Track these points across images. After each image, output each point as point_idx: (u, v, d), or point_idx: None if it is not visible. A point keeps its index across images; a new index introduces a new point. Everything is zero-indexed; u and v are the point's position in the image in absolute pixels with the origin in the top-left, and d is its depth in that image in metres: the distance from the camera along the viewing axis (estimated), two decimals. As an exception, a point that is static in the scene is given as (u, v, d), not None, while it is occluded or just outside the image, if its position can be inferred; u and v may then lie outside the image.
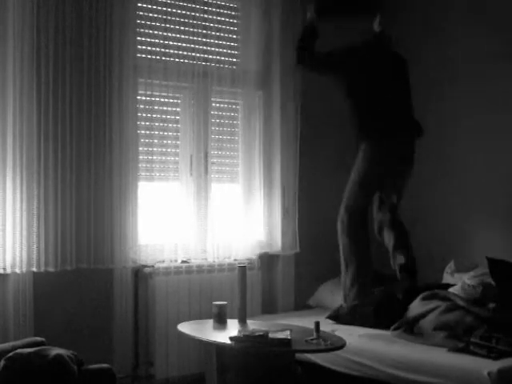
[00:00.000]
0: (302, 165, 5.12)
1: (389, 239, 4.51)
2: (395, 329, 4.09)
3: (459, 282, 4.35)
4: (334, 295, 4.79)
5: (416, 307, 4.14)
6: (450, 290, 4.27)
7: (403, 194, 4.57)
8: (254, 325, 3.87)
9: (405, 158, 4.50)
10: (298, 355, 3.84)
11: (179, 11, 4.63)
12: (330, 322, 4.38)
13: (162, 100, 4.56)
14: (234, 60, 4.91)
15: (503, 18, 4.82)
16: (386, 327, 4.14)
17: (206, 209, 4.67)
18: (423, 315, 4.03)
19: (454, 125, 5.04)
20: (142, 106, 4.44)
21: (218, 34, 4.80)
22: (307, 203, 5.15)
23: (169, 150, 4.59)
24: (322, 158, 5.26)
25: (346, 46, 4.51)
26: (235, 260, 4.72)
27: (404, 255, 4.41)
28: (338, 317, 4.42)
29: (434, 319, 3.95)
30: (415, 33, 5.22)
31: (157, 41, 4.53)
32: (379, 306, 4.33)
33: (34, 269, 3.98)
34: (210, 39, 4.75)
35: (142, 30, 4.46)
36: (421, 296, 4.23)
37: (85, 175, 4.15)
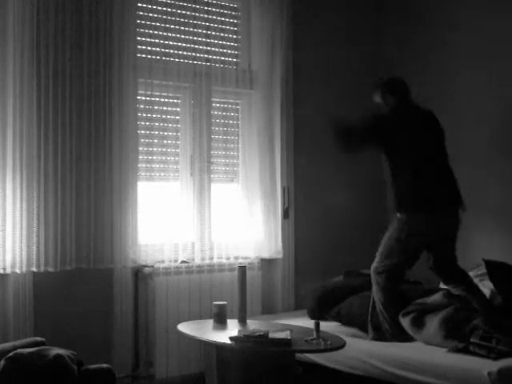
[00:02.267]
0: (302, 165, 5.12)
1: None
2: (405, 314, 4.05)
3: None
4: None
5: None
6: None
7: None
8: (253, 325, 3.87)
9: (449, 228, 4.21)
10: (298, 355, 3.84)
11: (179, 11, 4.64)
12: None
13: (162, 100, 4.56)
14: (234, 60, 4.91)
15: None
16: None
17: (205, 209, 4.67)
18: (431, 310, 4.01)
19: (456, 119, 5.02)
20: (142, 106, 4.45)
21: (218, 33, 4.81)
22: (307, 203, 5.15)
23: (169, 150, 4.60)
24: (321, 158, 5.25)
25: (375, 116, 4.23)
26: (235, 260, 4.73)
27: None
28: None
29: (436, 319, 3.95)
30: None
31: (157, 41, 4.54)
32: None
33: (34, 269, 3.98)
34: (210, 39, 4.76)
35: (141, 30, 4.47)
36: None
37: (85, 175, 4.15)
